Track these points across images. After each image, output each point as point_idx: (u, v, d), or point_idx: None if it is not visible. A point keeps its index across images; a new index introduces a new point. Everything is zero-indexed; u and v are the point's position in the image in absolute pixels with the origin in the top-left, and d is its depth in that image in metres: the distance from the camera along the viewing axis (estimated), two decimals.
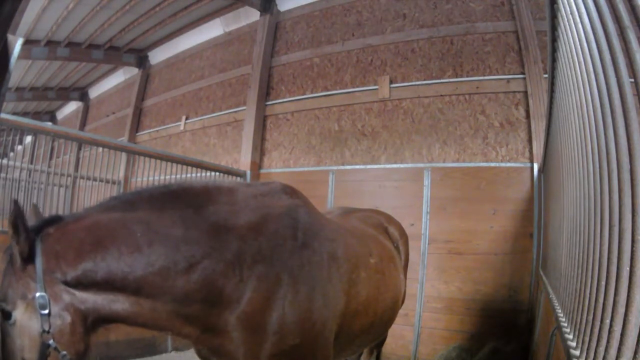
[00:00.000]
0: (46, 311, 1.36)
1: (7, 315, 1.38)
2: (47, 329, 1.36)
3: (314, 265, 1.72)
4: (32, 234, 1.42)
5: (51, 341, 1.36)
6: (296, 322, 1.59)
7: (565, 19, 1.72)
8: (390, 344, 4.51)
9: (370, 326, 2.19)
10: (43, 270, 1.38)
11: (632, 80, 0.83)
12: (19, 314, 1.38)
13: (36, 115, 12.70)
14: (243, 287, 1.56)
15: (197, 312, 1.52)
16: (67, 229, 1.47)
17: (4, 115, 3.82)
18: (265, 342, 1.55)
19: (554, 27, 2.19)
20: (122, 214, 1.52)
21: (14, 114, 7.46)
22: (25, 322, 1.37)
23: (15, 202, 1.38)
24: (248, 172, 6.22)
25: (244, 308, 1.55)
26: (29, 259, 1.39)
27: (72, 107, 12.64)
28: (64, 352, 1.37)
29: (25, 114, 12.14)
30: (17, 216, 1.36)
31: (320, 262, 1.75)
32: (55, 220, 1.51)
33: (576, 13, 1.42)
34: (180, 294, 1.49)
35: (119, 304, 1.46)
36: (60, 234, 1.45)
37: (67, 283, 1.41)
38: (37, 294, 1.37)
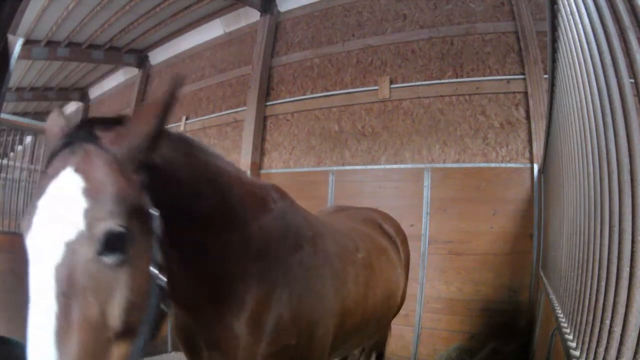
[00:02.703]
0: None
1: (119, 240, 0.90)
2: (161, 261, 1.02)
3: (306, 265, 1.71)
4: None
5: (163, 281, 1.01)
6: (292, 322, 1.58)
7: (566, 20, 1.72)
8: (390, 345, 4.50)
9: (362, 324, 2.14)
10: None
11: (632, 80, 0.83)
12: (137, 235, 0.96)
13: (36, 115, 12.70)
14: (247, 278, 1.52)
15: (205, 281, 1.45)
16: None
17: (4, 115, 3.82)
18: (262, 341, 1.53)
19: (554, 28, 2.19)
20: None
21: (14, 114, 7.49)
22: (141, 250, 0.97)
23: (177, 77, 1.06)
24: (248, 173, 6.22)
25: (248, 304, 1.52)
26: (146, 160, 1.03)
27: (72, 107, 12.64)
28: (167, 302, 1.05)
29: (25, 114, 12.14)
30: (174, 94, 1.03)
31: (312, 263, 1.74)
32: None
33: (576, 13, 1.42)
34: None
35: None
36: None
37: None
38: (154, 211, 1.02)
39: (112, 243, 0.89)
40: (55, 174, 0.95)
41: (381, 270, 2.39)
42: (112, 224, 0.90)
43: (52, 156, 1.02)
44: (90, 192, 0.91)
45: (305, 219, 1.89)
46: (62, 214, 0.89)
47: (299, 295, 1.63)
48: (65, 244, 0.87)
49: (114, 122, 1.09)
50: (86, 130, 1.03)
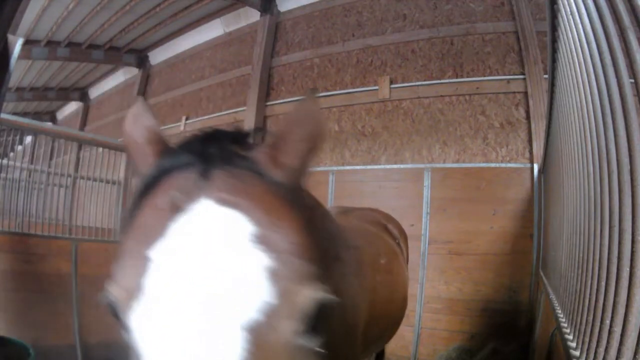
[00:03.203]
0: None
1: (323, 313, 0.63)
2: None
3: (346, 277, 1.66)
4: None
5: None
6: (340, 334, 1.53)
7: (566, 20, 1.72)
8: (390, 345, 4.48)
9: (385, 328, 2.12)
10: None
11: (632, 80, 0.83)
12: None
13: (36, 115, 12.69)
14: None
15: None
16: None
17: (4, 115, 3.82)
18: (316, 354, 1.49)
19: (554, 28, 2.19)
20: None
21: (14, 114, 7.47)
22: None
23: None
24: None
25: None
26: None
27: (72, 107, 12.63)
28: None
29: (25, 114, 12.14)
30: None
31: (350, 273, 1.70)
32: None
33: (576, 13, 1.42)
34: None
35: None
36: None
37: None
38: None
39: (316, 318, 0.61)
40: (181, 207, 0.62)
41: (397, 274, 2.37)
42: (320, 291, 0.61)
43: (157, 178, 0.69)
44: (272, 243, 0.60)
45: (336, 225, 1.85)
46: (226, 277, 0.56)
47: (344, 307, 1.57)
48: (247, 329, 0.55)
49: (240, 137, 0.79)
50: (222, 146, 0.71)
